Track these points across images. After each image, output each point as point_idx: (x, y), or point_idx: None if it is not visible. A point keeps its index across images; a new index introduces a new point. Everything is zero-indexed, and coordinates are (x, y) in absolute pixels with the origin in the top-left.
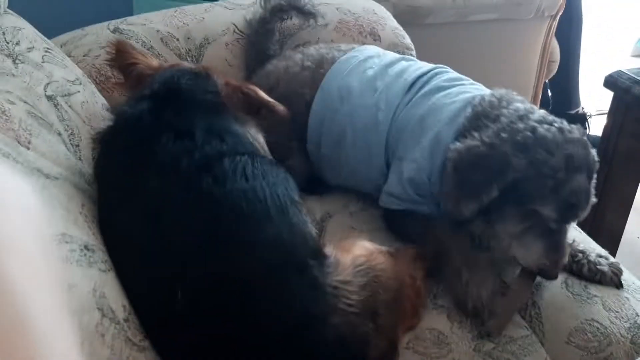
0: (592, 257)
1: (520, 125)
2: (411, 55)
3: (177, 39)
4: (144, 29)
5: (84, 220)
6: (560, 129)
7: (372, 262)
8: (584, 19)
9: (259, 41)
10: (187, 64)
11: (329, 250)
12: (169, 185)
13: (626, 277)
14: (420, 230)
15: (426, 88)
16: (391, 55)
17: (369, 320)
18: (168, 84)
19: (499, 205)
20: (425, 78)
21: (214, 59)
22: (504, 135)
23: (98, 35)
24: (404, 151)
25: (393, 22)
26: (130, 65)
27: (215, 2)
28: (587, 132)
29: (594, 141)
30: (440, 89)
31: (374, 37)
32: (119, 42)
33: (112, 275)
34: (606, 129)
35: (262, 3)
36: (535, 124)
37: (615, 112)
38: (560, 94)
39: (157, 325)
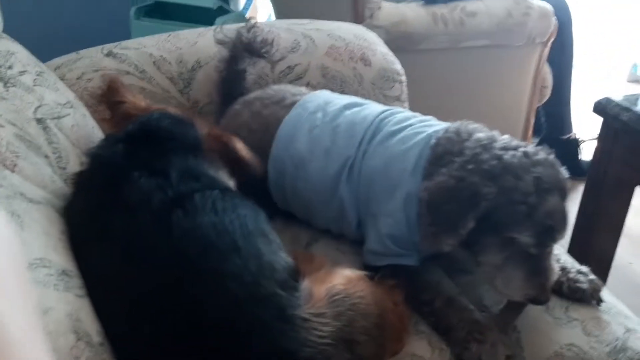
0: (572, 274)
1: (485, 155)
2: (400, 80)
3: (170, 63)
4: (137, 52)
5: (63, 246)
6: (525, 153)
7: (350, 289)
8: (580, 45)
9: (228, 80)
10: (173, 109)
11: (305, 283)
12: (140, 220)
13: (608, 299)
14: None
15: (378, 137)
16: (333, 107)
17: (345, 350)
18: (146, 126)
19: (477, 236)
20: (373, 127)
21: (205, 82)
22: (470, 166)
23: (92, 59)
24: (376, 207)
25: (384, 48)
26: (117, 103)
27: (209, 27)
28: (580, 158)
29: (586, 166)
30: (391, 134)
31: (365, 63)
32: (110, 79)
33: (88, 301)
34: (596, 155)
35: (222, 44)
36: (500, 152)
37: (604, 138)
38: (553, 119)
39: (127, 357)
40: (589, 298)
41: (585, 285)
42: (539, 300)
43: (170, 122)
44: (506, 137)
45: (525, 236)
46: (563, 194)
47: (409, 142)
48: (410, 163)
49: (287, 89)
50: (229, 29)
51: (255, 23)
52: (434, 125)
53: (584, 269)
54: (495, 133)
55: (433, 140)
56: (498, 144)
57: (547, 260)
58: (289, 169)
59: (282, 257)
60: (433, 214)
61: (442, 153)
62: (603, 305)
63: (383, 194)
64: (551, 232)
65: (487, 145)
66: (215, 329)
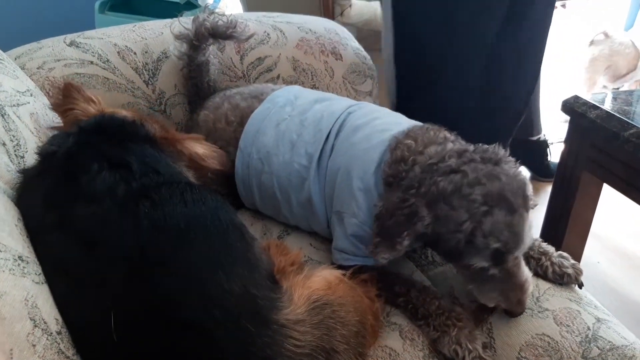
0: (555, 259)
1: (428, 179)
2: (372, 76)
3: (135, 53)
4: (101, 42)
5: (19, 233)
6: (474, 169)
7: (330, 296)
8: (553, 49)
9: (193, 76)
10: (125, 112)
11: (286, 286)
12: (103, 210)
13: (579, 290)
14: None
15: (342, 132)
16: (304, 100)
17: None
18: (99, 122)
19: (446, 260)
20: (340, 120)
21: (171, 73)
22: (412, 191)
23: (53, 48)
24: (340, 205)
25: (355, 43)
26: (68, 110)
27: (175, 18)
28: (549, 159)
29: (554, 168)
30: (356, 129)
31: (336, 57)
32: (65, 86)
33: (46, 288)
34: (563, 155)
35: (181, 37)
36: (440, 177)
37: (572, 138)
38: (522, 121)
39: (92, 351)
40: (573, 281)
41: (570, 270)
42: (515, 313)
43: (121, 120)
44: (457, 147)
45: (478, 261)
46: (511, 206)
47: (372, 141)
48: (372, 164)
49: (268, 86)
50: (185, 21)
51: (214, 9)
52: (402, 124)
53: (564, 253)
54: (449, 144)
55: (393, 142)
56: (444, 164)
57: (519, 274)
58: (255, 163)
59: (257, 253)
60: (378, 226)
61: (399, 159)
62: (573, 295)
63: (346, 194)
64: (500, 253)
65: (432, 166)
66: (183, 324)
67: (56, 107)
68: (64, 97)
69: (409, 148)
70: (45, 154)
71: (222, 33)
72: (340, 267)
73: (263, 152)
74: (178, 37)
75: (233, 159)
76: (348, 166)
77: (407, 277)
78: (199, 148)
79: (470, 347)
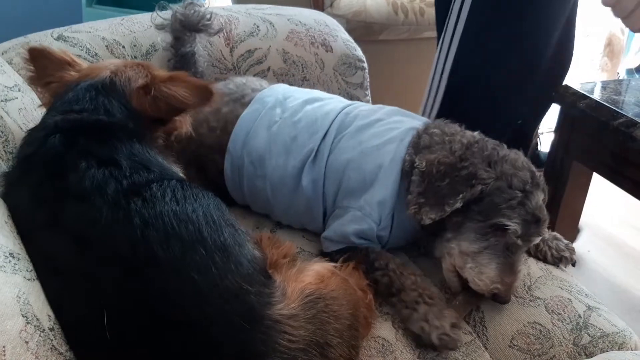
0: (552, 242)
1: (486, 145)
2: (363, 67)
3: (123, 46)
4: (89, 36)
5: (9, 230)
6: (516, 152)
7: (323, 289)
8: None
9: (179, 67)
10: (107, 72)
11: (279, 281)
12: (95, 209)
13: (570, 279)
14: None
15: (348, 131)
16: (293, 101)
17: (317, 355)
18: (78, 119)
19: (459, 220)
20: (338, 121)
21: (161, 66)
22: (474, 149)
23: (41, 43)
24: (346, 201)
25: (345, 35)
26: (46, 84)
27: (165, 11)
28: (539, 149)
29: (545, 157)
30: (362, 128)
31: (326, 48)
32: (30, 53)
33: (38, 285)
34: (553, 145)
35: (161, 27)
36: (495, 147)
37: (562, 128)
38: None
39: (85, 348)
40: (569, 262)
41: (567, 253)
42: (503, 298)
43: (104, 117)
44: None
45: (515, 223)
46: (545, 194)
47: (383, 137)
48: (386, 159)
49: (248, 85)
50: (166, 12)
51: (192, 0)
52: (404, 121)
53: (557, 234)
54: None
55: (413, 133)
56: (492, 143)
57: (519, 262)
58: (247, 167)
59: (250, 250)
60: (425, 185)
61: (428, 144)
62: (564, 284)
63: (355, 188)
64: (538, 225)
65: (480, 141)
66: (177, 323)
67: (33, 81)
68: (35, 67)
69: (437, 135)
70: (24, 156)
71: (193, 25)
72: (331, 259)
73: (255, 156)
74: (158, 27)
75: (219, 167)
76: (358, 162)
77: (389, 254)
78: (180, 90)
79: (437, 324)
